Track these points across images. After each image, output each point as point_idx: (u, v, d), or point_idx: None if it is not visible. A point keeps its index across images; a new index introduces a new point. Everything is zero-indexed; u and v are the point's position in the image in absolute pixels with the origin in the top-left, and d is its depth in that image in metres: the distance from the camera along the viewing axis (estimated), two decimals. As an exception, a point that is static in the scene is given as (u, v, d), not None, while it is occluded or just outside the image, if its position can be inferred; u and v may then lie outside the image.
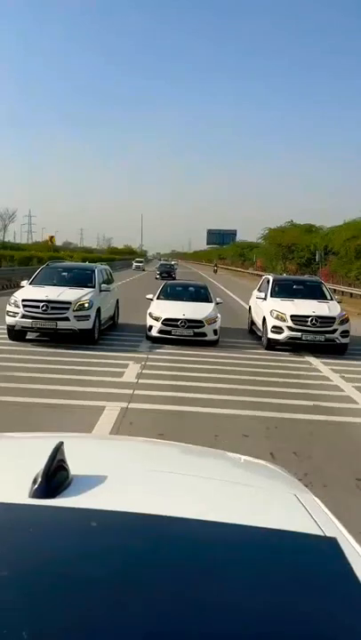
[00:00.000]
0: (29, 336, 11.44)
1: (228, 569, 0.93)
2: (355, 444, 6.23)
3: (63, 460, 1.15)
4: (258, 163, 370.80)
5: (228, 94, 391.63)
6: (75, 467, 1.18)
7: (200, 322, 11.88)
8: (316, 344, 11.76)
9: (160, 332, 11.83)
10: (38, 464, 1.11)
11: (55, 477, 1.09)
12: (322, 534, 1.08)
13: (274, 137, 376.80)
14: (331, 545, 0.98)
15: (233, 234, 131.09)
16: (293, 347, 11.91)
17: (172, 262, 64.16)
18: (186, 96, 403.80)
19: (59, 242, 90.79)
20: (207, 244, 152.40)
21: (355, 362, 11.12)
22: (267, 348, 11.99)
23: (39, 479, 1.07)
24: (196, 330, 11.80)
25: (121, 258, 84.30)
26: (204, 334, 11.86)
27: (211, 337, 11.93)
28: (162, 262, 61.45)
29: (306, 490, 1.43)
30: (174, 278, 35.71)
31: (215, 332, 12.01)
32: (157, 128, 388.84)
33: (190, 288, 14.17)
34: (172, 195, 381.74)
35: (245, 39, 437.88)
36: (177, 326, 11.75)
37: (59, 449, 1.14)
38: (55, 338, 11.18)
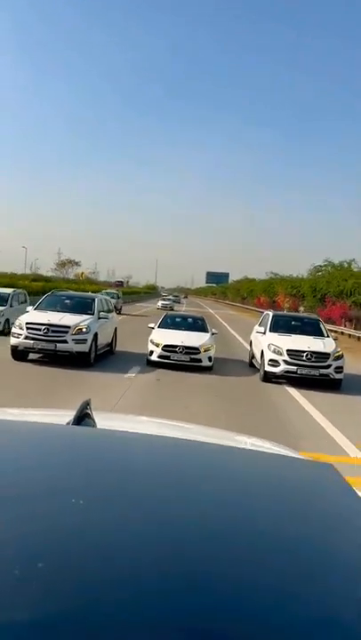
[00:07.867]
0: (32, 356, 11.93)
1: (236, 481, 1.11)
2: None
3: (90, 410, 1.35)
4: (254, 215, 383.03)
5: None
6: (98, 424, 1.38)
7: (197, 349, 12.62)
8: (310, 378, 11.83)
9: (160, 356, 12.48)
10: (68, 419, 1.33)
11: (84, 422, 1.30)
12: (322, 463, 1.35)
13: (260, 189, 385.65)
14: (330, 468, 1.21)
15: (226, 275, 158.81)
16: (289, 380, 11.99)
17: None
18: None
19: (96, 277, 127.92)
20: (206, 282, 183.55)
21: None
22: (263, 380, 12.12)
23: (72, 422, 1.28)
24: (192, 356, 12.54)
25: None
26: (199, 360, 12.57)
27: (206, 363, 12.63)
28: None
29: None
30: None
31: (210, 358, 12.74)
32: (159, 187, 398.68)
33: (189, 319, 14.92)
34: (178, 239, 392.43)
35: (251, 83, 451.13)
36: (175, 352, 12.44)
37: (88, 403, 1.35)
38: (54, 359, 11.63)
